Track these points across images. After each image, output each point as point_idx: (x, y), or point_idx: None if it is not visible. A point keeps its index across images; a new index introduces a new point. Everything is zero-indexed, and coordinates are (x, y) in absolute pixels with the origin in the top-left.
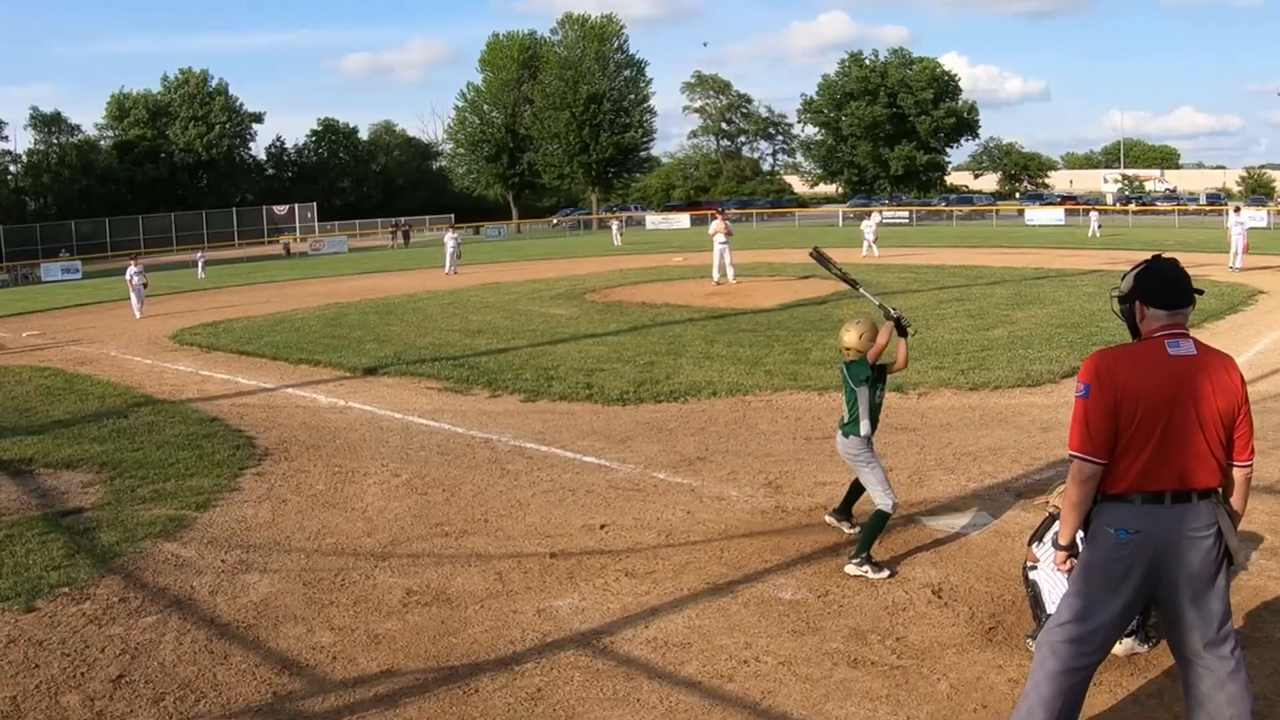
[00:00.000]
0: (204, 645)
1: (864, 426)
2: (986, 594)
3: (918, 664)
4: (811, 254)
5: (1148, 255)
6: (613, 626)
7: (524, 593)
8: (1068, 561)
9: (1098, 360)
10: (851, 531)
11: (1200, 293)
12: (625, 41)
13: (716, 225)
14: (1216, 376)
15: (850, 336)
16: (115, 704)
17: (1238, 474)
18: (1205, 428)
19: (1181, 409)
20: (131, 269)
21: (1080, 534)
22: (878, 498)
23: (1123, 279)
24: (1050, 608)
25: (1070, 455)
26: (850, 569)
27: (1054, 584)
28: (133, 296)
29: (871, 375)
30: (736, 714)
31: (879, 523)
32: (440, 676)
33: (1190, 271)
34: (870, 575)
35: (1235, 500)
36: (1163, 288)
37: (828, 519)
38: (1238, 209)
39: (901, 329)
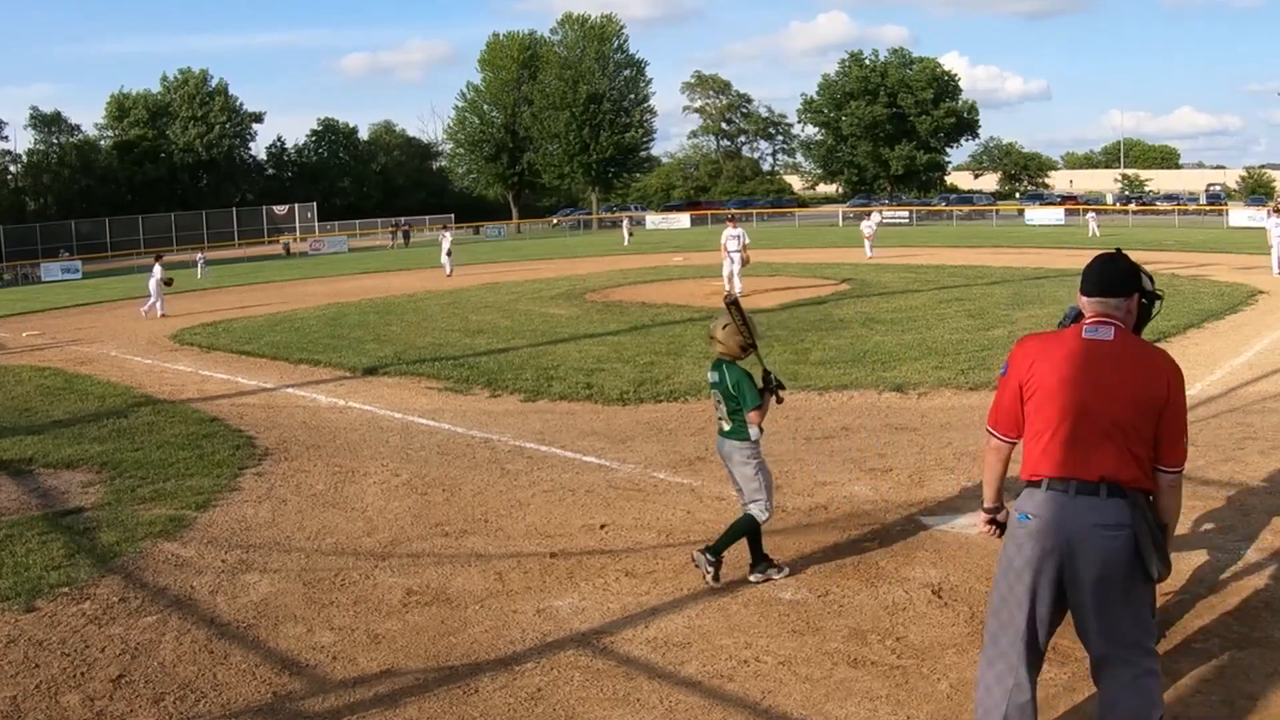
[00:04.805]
0: (204, 645)
1: (753, 431)
2: (986, 594)
3: (918, 664)
4: (726, 301)
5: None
6: (613, 626)
7: (524, 593)
8: (987, 527)
9: (1020, 342)
10: (763, 577)
11: (1160, 296)
12: (625, 41)
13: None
14: (1135, 366)
15: (720, 330)
16: (115, 704)
17: (1162, 480)
18: (1116, 418)
19: (1088, 395)
20: (158, 270)
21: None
22: (759, 504)
23: None
24: None
25: (985, 429)
26: (753, 579)
27: None
28: (153, 295)
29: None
30: (736, 714)
31: (748, 527)
32: (440, 676)
33: (1190, 271)
34: (776, 577)
35: (1162, 509)
36: (1087, 275)
37: (698, 556)
38: (1278, 209)
39: (774, 389)
